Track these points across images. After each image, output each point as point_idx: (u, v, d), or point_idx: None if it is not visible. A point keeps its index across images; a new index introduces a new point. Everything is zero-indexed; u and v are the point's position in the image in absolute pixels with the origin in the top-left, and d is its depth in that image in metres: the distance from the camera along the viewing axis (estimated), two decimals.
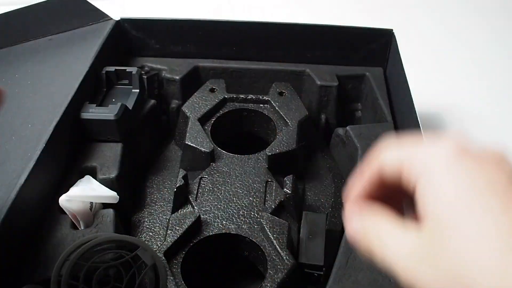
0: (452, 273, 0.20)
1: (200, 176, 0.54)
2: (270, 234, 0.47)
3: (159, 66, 0.69)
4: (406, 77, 0.58)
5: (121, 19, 0.69)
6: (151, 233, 0.53)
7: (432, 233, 0.22)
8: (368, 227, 0.25)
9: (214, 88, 0.64)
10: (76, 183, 0.50)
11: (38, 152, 0.47)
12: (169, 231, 0.47)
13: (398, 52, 0.63)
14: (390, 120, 0.61)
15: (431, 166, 0.23)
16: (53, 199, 0.48)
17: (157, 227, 0.54)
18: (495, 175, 0.22)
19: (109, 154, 0.54)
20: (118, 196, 0.50)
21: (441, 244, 0.21)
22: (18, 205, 0.43)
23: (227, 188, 0.53)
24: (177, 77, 0.67)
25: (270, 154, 0.55)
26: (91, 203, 0.48)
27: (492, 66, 0.95)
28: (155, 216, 0.55)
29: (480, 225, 0.20)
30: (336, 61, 0.69)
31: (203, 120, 0.60)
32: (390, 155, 0.25)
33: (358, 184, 0.27)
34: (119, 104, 0.55)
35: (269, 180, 0.54)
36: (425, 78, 0.90)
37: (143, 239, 0.53)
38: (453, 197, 0.21)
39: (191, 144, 0.57)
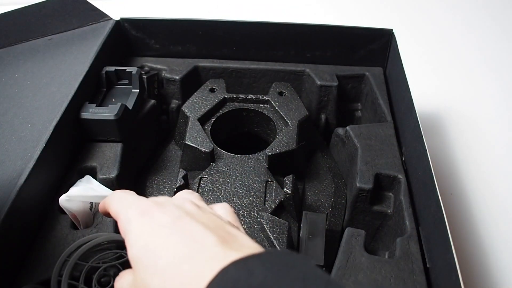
0: None
1: (200, 176, 0.54)
2: (270, 234, 0.47)
3: (159, 66, 0.69)
4: (406, 77, 0.58)
5: (121, 19, 0.69)
6: None
7: (136, 275, 0.29)
8: None
9: (214, 88, 0.64)
10: (76, 183, 0.50)
11: (38, 152, 0.47)
12: None
13: (398, 52, 0.63)
14: (390, 120, 0.61)
15: (129, 226, 0.31)
16: (53, 199, 0.48)
17: None
18: (172, 216, 0.30)
19: (109, 154, 0.54)
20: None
21: (141, 282, 0.28)
22: (18, 205, 0.43)
23: (227, 188, 0.53)
24: (177, 77, 0.67)
25: (270, 154, 0.55)
26: (91, 203, 0.48)
27: (492, 66, 0.95)
28: None
29: (160, 259, 0.27)
30: (336, 61, 0.69)
31: (203, 120, 0.60)
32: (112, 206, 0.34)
33: None
34: (119, 104, 0.55)
35: (269, 180, 0.54)
36: (425, 78, 0.90)
37: None
38: (140, 245, 0.29)
39: (191, 144, 0.57)
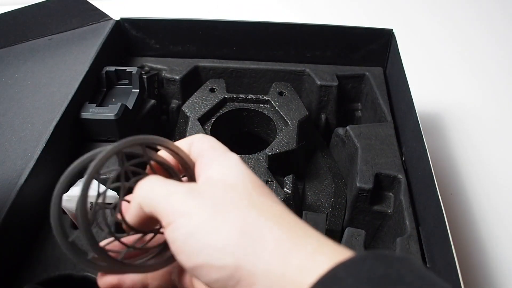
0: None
1: None
2: None
3: (159, 66, 0.69)
4: (406, 77, 0.58)
5: (121, 19, 0.69)
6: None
7: (205, 188, 0.27)
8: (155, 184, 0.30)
9: (214, 88, 0.64)
10: (76, 183, 0.50)
11: (38, 152, 0.47)
12: None
13: (398, 52, 0.63)
14: (390, 120, 0.61)
15: (212, 154, 0.30)
16: None
17: None
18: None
19: None
20: (118, 196, 0.50)
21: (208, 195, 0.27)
22: (18, 205, 0.43)
23: None
24: (177, 77, 0.67)
25: (270, 154, 0.55)
26: (91, 203, 0.48)
27: (491, 66, 0.95)
28: None
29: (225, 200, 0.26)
30: (336, 61, 0.69)
31: (203, 120, 0.60)
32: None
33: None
34: (119, 104, 0.55)
35: (269, 180, 0.54)
36: (425, 78, 0.90)
37: None
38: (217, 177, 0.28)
39: None
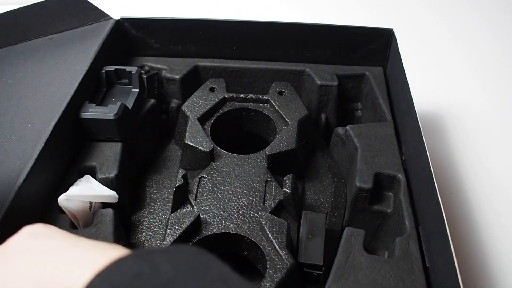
0: None
1: (199, 176, 0.54)
2: (269, 233, 0.47)
3: (159, 66, 0.69)
4: (406, 77, 0.58)
5: (121, 18, 0.70)
6: (150, 233, 0.53)
7: None
8: None
9: (214, 88, 0.64)
10: (76, 183, 0.50)
11: (38, 152, 0.47)
12: (168, 231, 0.47)
13: (398, 52, 0.63)
14: (390, 119, 0.61)
15: None
16: (53, 199, 0.48)
17: (156, 227, 0.54)
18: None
19: (109, 154, 0.54)
20: (117, 196, 0.50)
21: None
22: (17, 204, 0.43)
23: (226, 187, 0.53)
24: (177, 77, 0.67)
25: (269, 153, 0.55)
26: (91, 202, 0.48)
27: (491, 66, 0.95)
28: (154, 216, 0.55)
29: None
30: (336, 60, 0.69)
31: (202, 119, 0.60)
32: None
33: None
34: (119, 104, 0.55)
35: (269, 179, 0.54)
36: (425, 78, 0.90)
37: (143, 238, 0.53)
38: None
39: (191, 144, 0.57)
